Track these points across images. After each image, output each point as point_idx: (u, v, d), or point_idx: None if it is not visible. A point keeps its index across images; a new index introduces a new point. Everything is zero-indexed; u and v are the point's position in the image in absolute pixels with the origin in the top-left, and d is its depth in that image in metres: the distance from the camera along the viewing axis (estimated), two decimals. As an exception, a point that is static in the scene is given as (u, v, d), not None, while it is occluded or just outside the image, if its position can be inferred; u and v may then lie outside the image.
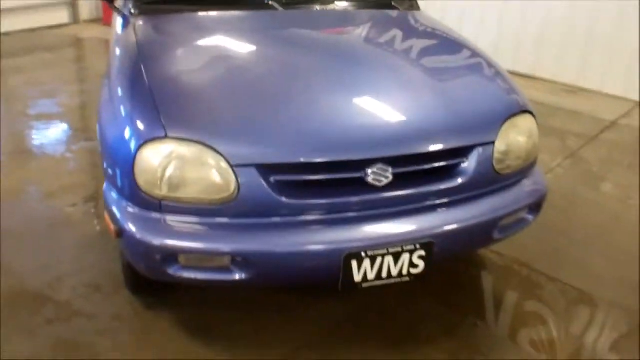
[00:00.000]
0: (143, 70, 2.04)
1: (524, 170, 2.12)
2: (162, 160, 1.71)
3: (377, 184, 1.80)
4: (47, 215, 2.96)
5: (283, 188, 1.74)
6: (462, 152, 1.93)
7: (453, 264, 2.61)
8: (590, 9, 5.04)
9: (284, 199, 1.73)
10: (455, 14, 5.66)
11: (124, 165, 1.76)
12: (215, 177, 1.71)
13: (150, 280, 2.13)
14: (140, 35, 2.35)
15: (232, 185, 1.70)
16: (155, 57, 2.20)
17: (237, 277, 1.73)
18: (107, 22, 7.05)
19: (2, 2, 6.41)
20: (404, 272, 1.84)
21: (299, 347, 2.12)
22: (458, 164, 1.93)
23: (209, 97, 1.95)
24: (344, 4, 2.85)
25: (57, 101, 4.63)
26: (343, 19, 2.80)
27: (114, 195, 1.85)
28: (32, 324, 2.19)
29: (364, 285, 1.81)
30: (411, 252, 1.81)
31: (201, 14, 2.57)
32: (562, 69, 5.37)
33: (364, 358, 2.08)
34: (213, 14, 2.58)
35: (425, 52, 2.46)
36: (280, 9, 2.63)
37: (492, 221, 1.97)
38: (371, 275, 1.80)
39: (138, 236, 1.72)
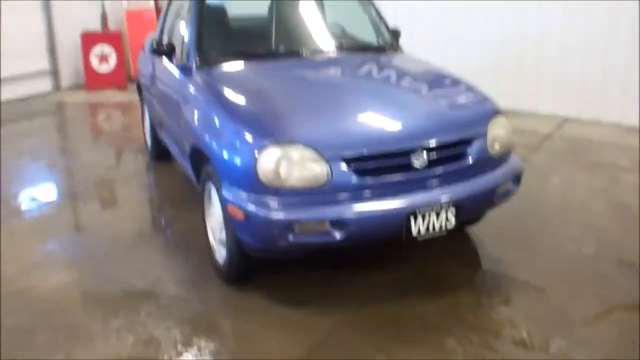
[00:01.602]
0: (239, 100, 2.88)
1: (506, 154, 3.00)
2: (277, 159, 2.46)
3: (419, 166, 2.62)
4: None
5: (361, 172, 2.52)
6: (468, 142, 2.79)
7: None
8: (518, 45, 6.22)
9: (362, 179, 2.51)
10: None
11: (247, 167, 2.49)
12: (316, 169, 2.47)
13: (254, 263, 2.81)
14: (219, 79, 3.18)
15: (327, 173, 2.47)
16: (240, 90, 3.01)
17: (337, 237, 2.47)
18: (91, 87, 7.69)
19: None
20: (443, 226, 2.64)
21: (365, 302, 2.84)
22: (466, 150, 2.78)
23: (296, 113, 2.76)
24: (353, 51, 3.71)
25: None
26: (360, 61, 3.60)
27: (236, 191, 2.56)
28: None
29: (419, 238, 2.60)
30: (446, 211, 2.63)
31: (254, 62, 3.37)
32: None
33: (414, 302, 2.83)
34: (265, 62, 3.38)
35: (424, 79, 3.36)
36: (310, 57, 3.49)
37: (494, 188, 2.82)
38: (423, 229, 2.59)
39: (264, 214, 2.45)
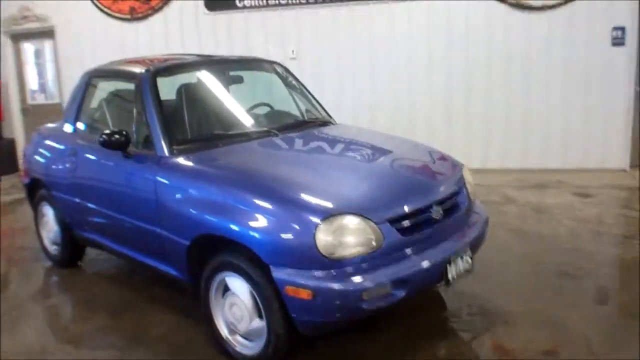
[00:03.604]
0: (255, 181, 2.84)
1: (475, 198, 3.45)
2: (334, 231, 2.50)
3: (437, 217, 2.88)
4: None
5: (402, 231, 2.68)
6: (458, 191, 3.16)
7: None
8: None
9: (404, 237, 2.68)
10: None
11: (305, 245, 2.48)
12: (372, 234, 2.57)
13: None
14: (210, 163, 3.09)
15: (381, 236, 2.59)
16: (246, 171, 2.98)
17: (399, 295, 2.57)
18: None
19: None
20: (463, 268, 2.92)
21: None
22: (459, 199, 3.13)
23: (325, 186, 2.80)
24: (310, 126, 3.79)
25: None
26: (328, 134, 3.70)
27: (291, 271, 2.51)
28: None
29: (451, 280, 2.83)
30: (465, 254, 2.93)
31: (226, 145, 3.28)
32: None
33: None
34: (235, 144, 3.31)
35: (394, 145, 3.60)
36: (279, 134, 3.49)
37: (485, 227, 3.23)
38: (453, 273, 2.84)
39: (336, 287, 2.45)
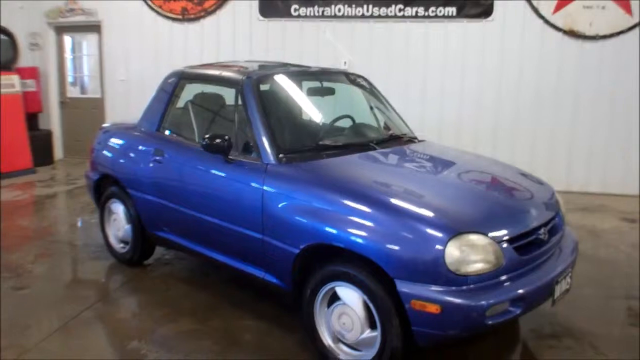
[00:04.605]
0: (376, 194, 2.87)
1: (564, 220, 3.53)
2: (462, 248, 2.56)
3: (544, 238, 2.95)
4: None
5: (518, 250, 2.74)
6: (556, 214, 3.21)
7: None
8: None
9: (521, 256, 2.74)
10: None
11: (434, 260, 2.53)
12: (493, 252, 2.63)
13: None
14: (321, 172, 3.13)
15: (501, 255, 2.65)
16: (363, 184, 3.01)
17: (517, 312, 2.64)
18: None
19: None
20: (564, 288, 2.99)
21: None
22: (558, 222, 3.20)
23: (446, 202, 2.88)
24: (399, 142, 3.83)
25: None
26: (417, 150, 3.77)
27: (418, 285, 2.56)
28: None
29: (557, 300, 2.91)
30: (567, 275, 3.00)
31: (331, 158, 3.30)
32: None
33: None
34: (342, 156, 3.34)
35: (490, 164, 3.71)
36: (378, 148, 3.56)
37: (577, 250, 3.28)
38: (559, 293, 2.91)
39: (463, 303, 2.50)
